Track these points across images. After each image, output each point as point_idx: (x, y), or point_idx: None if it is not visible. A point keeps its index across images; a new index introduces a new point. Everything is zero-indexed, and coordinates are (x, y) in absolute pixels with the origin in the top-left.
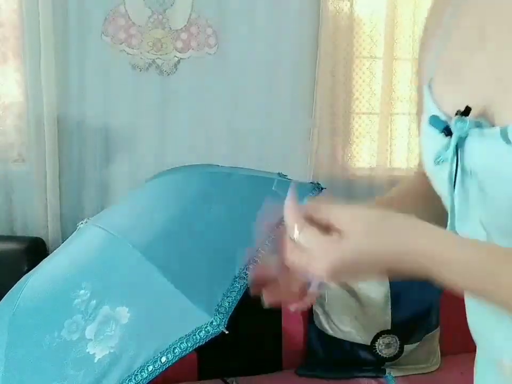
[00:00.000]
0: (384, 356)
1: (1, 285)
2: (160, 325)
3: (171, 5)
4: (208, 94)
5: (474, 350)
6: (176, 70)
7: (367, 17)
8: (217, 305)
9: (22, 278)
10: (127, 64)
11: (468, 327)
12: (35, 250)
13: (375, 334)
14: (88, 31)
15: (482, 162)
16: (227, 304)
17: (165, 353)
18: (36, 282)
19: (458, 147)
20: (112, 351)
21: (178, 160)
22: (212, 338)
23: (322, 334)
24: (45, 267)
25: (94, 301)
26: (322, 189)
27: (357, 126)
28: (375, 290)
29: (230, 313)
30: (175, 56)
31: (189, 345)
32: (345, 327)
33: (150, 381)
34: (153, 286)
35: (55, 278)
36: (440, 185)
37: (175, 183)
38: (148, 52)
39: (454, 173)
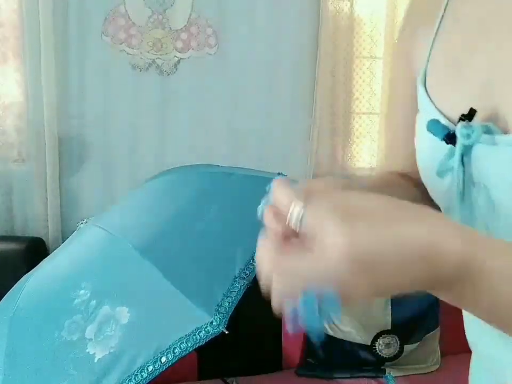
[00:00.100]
0: (384, 356)
1: (1, 285)
2: (160, 325)
3: (171, 5)
4: (208, 94)
5: None
6: (176, 70)
7: (367, 17)
8: (217, 305)
9: (22, 278)
10: (127, 64)
11: None
12: (35, 250)
13: (375, 334)
14: (88, 31)
15: (494, 172)
16: (227, 304)
17: (165, 353)
18: (36, 282)
19: (464, 155)
20: (112, 351)
21: (178, 160)
22: (211, 338)
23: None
24: (45, 267)
25: (94, 301)
26: None
27: (357, 126)
28: None
29: (230, 313)
30: (175, 56)
31: (189, 345)
32: (345, 327)
33: (150, 381)
34: (153, 286)
35: (55, 278)
36: (440, 197)
37: (175, 183)
38: (148, 52)
39: (462, 185)
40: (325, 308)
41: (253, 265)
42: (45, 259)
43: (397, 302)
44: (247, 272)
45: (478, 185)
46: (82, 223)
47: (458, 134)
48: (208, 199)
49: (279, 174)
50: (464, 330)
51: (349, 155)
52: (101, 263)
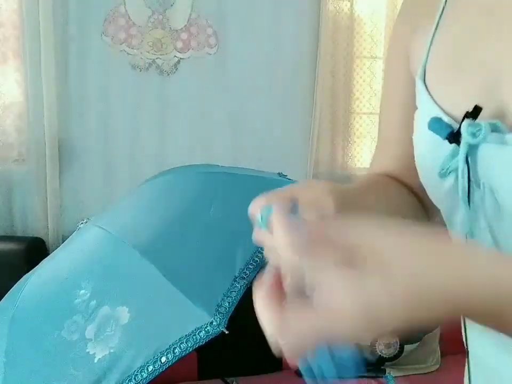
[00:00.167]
0: (384, 356)
1: (1, 285)
2: (160, 325)
3: (171, 5)
4: (208, 94)
5: None
6: (176, 70)
7: (367, 16)
8: (217, 305)
9: (22, 278)
10: (127, 64)
11: None
12: (35, 250)
13: None
14: (88, 31)
15: (501, 173)
16: (227, 304)
17: (165, 353)
18: (36, 282)
19: (468, 155)
20: (112, 351)
21: (178, 160)
22: (211, 338)
23: None
24: (45, 267)
25: (94, 301)
26: None
27: (358, 126)
28: None
29: (230, 313)
30: (175, 56)
31: (189, 345)
32: None
33: (150, 381)
34: (153, 286)
35: (55, 278)
36: (441, 199)
37: (175, 183)
38: (148, 52)
39: (467, 187)
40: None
41: (253, 265)
42: (45, 259)
43: None
44: (247, 272)
45: (482, 187)
46: (82, 223)
47: (464, 133)
48: (208, 199)
49: (279, 174)
50: None
51: (349, 155)
52: (101, 263)
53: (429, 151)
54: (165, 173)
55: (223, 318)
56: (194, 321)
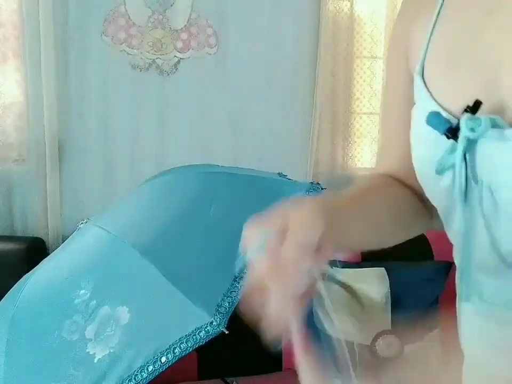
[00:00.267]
0: (384, 356)
1: (1, 285)
2: (160, 325)
3: (171, 5)
4: (208, 94)
5: None
6: (176, 70)
7: (368, 16)
8: (217, 305)
9: (22, 278)
10: (127, 64)
11: None
12: (35, 250)
13: (375, 334)
14: (88, 31)
15: (499, 170)
16: (227, 304)
17: (165, 353)
18: (36, 282)
19: (466, 151)
20: (112, 351)
21: (178, 160)
22: (212, 338)
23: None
24: (45, 267)
25: (94, 301)
26: (322, 189)
27: (358, 126)
28: (375, 290)
29: (230, 313)
30: (175, 56)
31: (189, 345)
32: (345, 327)
33: (150, 381)
34: (153, 286)
35: (55, 278)
36: (437, 196)
37: (175, 183)
38: (148, 52)
39: (464, 184)
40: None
41: None
42: (45, 259)
43: (397, 302)
44: (247, 272)
45: (480, 183)
46: (82, 223)
47: (463, 127)
48: (208, 199)
49: (279, 174)
50: None
51: (349, 155)
52: (101, 263)
53: (427, 147)
54: (165, 173)
55: (223, 318)
56: (194, 321)
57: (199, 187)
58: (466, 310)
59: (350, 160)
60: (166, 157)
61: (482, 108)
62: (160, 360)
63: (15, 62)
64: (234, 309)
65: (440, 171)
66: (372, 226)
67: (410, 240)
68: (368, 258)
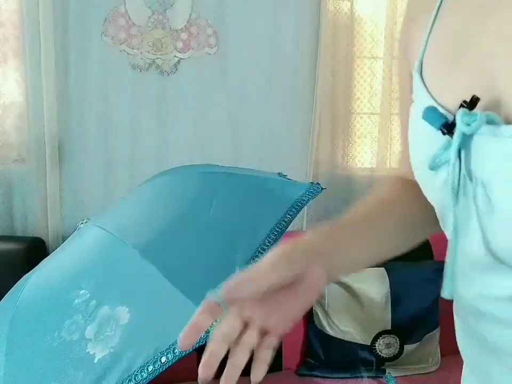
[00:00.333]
0: (384, 356)
1: (1, 285)
2: (160, 325)
3: (171, 5)
4: (208, 94)
5: None
6: (176, 70)
7: (368, 16)
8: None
9: (22, 278)
10: (127, 64)
11: None
12: (35, 250)
13: (375, 334)
14: (88, 31)
15: (494, 167)
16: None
17: (165, 353)
18: (36, 282)
19: (461, 148)
20: (112, 351)
21: (178, 160)
22: None
23: (322, 334)
24: (45, 267)
25: (94, 301)
26: (322, 189)
27: (358, 126)
28: (375, 290)
29: None
30: (175, 56)
31: None
32: (345, 327)
33: (150, 381)
34: (153, 286)
35: (55, 278)
36: (434, 194)
37: (175, 183)
38: (148, 52)
39: (457, 181)
40: None
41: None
42: (45, 259)
43: (397, 302)
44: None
45: (475, 180)
46: (82, 223)
47: (458, 121)
48: (208, 199)
49: (279, 174)
50: None
51: (350, 155)
52: (101, 263)
53: (423, 143)
54: (165, 173)
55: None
56: None
57: (199, 187)
58: (460, 309)
59: (350, 160)
60: (166, 157)
61: (479, 105)
62: (160, 360)
63: (15, 62)
64: None
65: (434, 167)
66: (380, 244)
67: None
68: None
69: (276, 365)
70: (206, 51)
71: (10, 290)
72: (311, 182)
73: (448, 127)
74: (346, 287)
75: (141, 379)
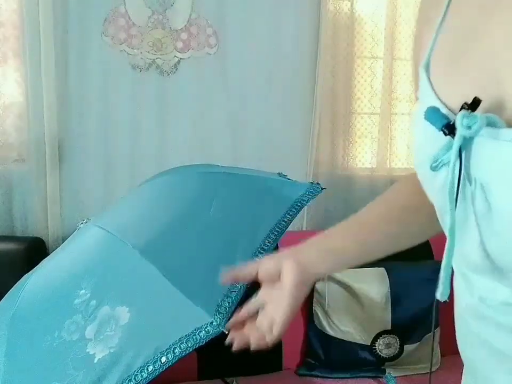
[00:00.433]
0: (384, 356)
1: (1, 285)
2: (160, 325)
3: (171, 5)
4: (208, 94)
5: None
6: (176, 70)
7: (368, 16)
8: (217, 305)
9: (22, 278)
10: (127, 64)
11: None
12: (35, 250)
13: (375, 334)
14: (88, 31)
15: (493, 169)
16: (227, 304)
17: (165, 353)
18: (36, 282)
19: (462, 149)
20: (112, 351)
21: (178, 160)
22: (212, 338)
23: (322, 334)
24: (45, 267)
25: (94, 301)
26: (322, 189)
27: (358, 126)
28: (375, 290)
29: (230, 313)
30: (175, 56)
31: (189, 345)
32: (345, 327)
33: (150, 381)
34: (153, 286)
35: (55, 278)
36: (434, 195)
37: (175, 183)
38: (148, 52)
39: (456, 182)
40: None
41: None
42: (45, 259)
43: (397, 302)
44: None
45: (474, 182)
46: (82, 223)
47: (458, 124)
48: (208, 199)
49: (279, 174)
50: None
51: (350, 155)
52: (101, 263)
53: (425, 143)
54: (165, 173)
55: (223, 318)
56: (194, 321)
57: (199, 187)
58: (461, 310)
59: (351, 160)
60: (166, 157)
61: (481, 107)
62: (160, 360)
63: (15, 62)
64: (234, 309)
65: (434, 167)
66: (387, 244)
67: None
68: None
69: (276, 365)
70: (206, 51)
71: (10, 290)
72: (311, 182)
73: (449, 128)
74: (346, 287)
75: (141, 379)
